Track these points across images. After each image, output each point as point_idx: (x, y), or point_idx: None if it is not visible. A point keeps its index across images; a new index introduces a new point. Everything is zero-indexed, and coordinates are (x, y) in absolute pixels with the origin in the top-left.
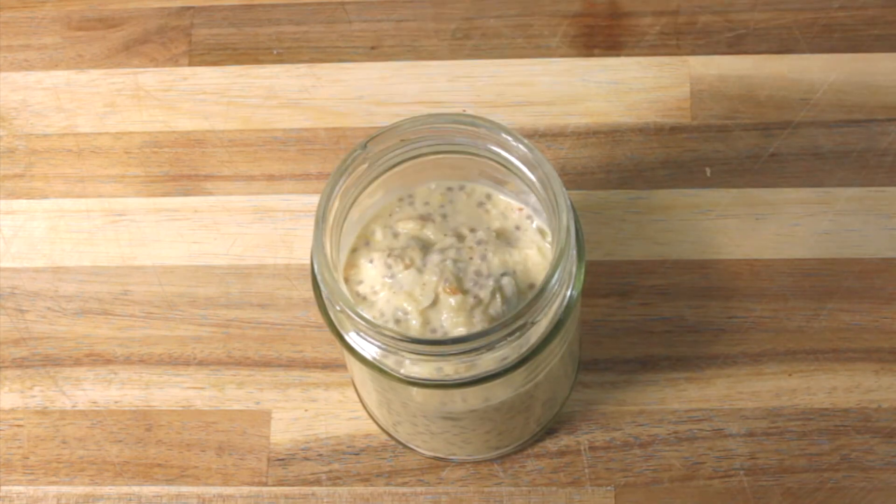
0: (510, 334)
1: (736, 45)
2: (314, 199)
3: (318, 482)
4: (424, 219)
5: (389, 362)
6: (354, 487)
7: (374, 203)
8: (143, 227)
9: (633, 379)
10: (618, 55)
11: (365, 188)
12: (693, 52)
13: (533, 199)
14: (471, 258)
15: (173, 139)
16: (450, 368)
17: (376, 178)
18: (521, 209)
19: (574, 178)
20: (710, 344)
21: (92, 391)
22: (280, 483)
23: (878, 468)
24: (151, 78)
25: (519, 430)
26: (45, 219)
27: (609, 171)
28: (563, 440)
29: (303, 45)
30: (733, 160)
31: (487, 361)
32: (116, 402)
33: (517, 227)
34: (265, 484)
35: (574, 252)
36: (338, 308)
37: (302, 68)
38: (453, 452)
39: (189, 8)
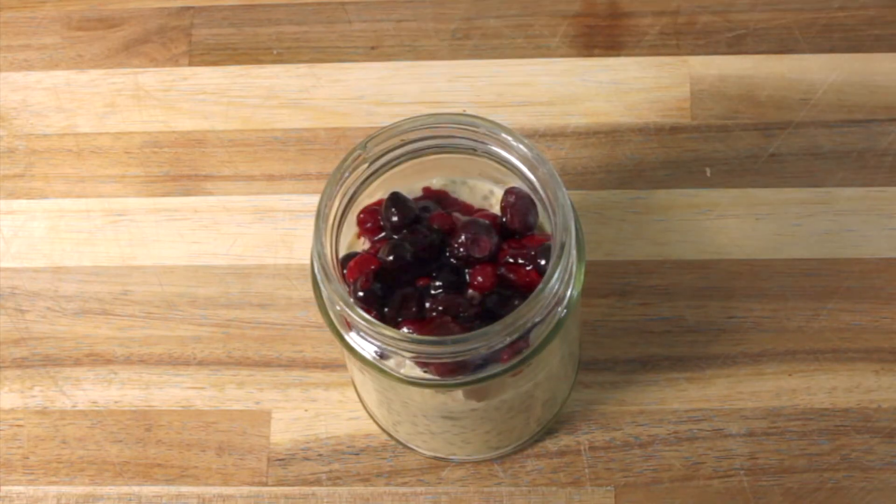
0: (510, 334)
1: (736, 45)
2: (314, 199)
3: (318, 482)
4: None
5: (389, 362)
6: (354, 487)
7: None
8: (143, 227)
9: (633, 379)
10: (618, 55)
11: (365, 188)
12: (693, 52)
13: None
14: None
15: (173, 139)
16: None
17: (376, 178)
18: None
19: (574, 178)
20: (710, 344)
21: (92, 391)
22: (280, 483)
23: (878, 468)
24: (151, 78)
25: (519, 430)
26: (45, 219)
27: (609, 171)
28: (563, 440)
29: (303, 45)
30: (733, 160)
31: None
32: (116, 402)
33: None
34: (265, 484)
35: (574, 252)
36: (338, 308)
37: (302, 68)
38: (453, 452)
39: (189, 8)
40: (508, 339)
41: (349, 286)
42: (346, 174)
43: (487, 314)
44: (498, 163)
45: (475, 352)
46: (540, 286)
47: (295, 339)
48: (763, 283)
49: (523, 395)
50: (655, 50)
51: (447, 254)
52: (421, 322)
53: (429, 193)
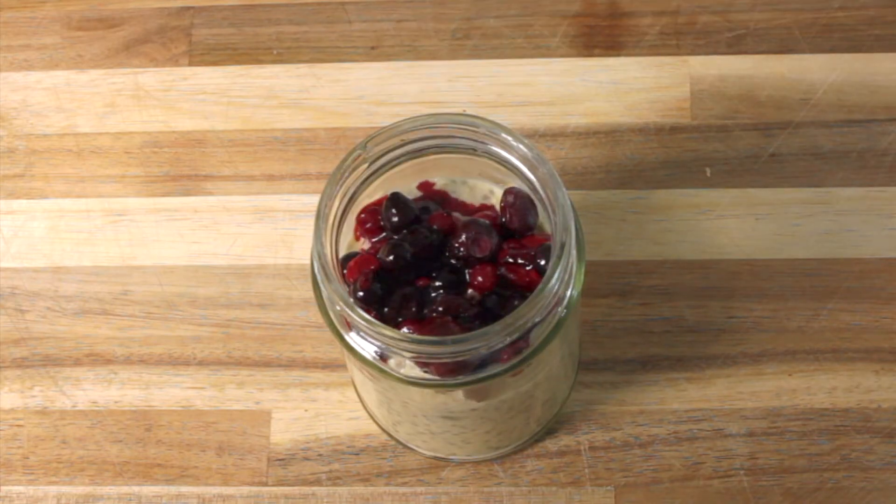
0: (510, 334)
1: (736, 45)
2: (314, 199)
3: (318, 482)
4: None
5: (389, 362)
6: (354, 487)
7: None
8: (143, 227)
9: (633, 379)
10: (618, 55)
11: (365, 188)
12: (693, 52)
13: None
14: None
15: (173, 139)
16: None
17: (376, 178)
18: None
19: (574, 178)
20: (710, 344)
21: (92, 391)
22: (280, 483)
23: (878, 468)
24: (151, 78)
25: (519, 430)
26: (45, 219)
27: (609, 171)
28: (563, 440)
29: (303, 45)
30: (733, 160)
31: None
32: (116, 402)
33: None
34: (265, 484)
35: (574, 252)
36: (338, 308)
37: (302, 68)
38: (453, 452)
39: (189, 8)
40: (508, 339)
41: (349, 286)
42: (346, 174)
43: (487, 314)
44: (498, 163)
45: (475, 352)
46: (540, 286)
47: (295, 339)
48: (763, 283)
49: (523, 395)
50: (655, 50)
51: (447, 254)
52: (421, 322)
53: (428, 192)
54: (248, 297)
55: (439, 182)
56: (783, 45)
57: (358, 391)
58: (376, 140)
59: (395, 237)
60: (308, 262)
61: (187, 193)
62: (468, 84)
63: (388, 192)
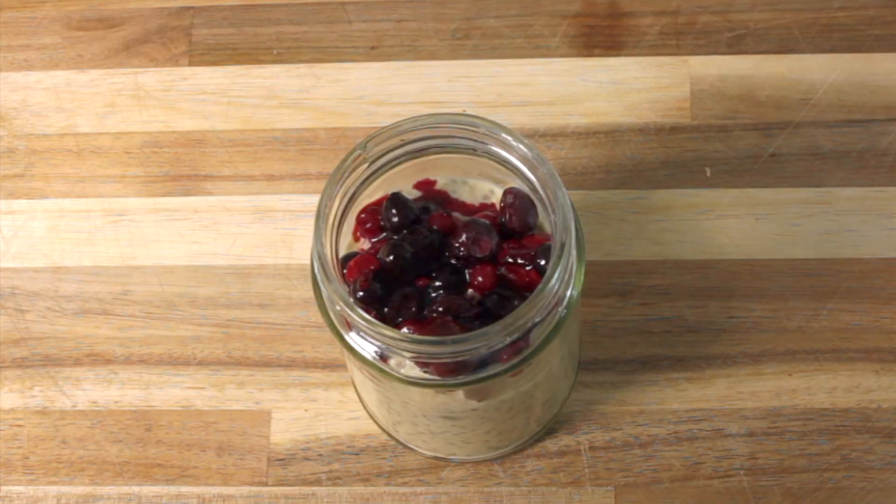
0: (510, 334)
1: (736, 45)
2: (314, 199)
3: (318, 482)
4: None
5: (390, 362)
6: (354, 487)
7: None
8: (143, 227)
9: (633, 379)
10: (618, 55)
11: (365, 188)
12: (693, 52)
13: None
14: None
15: (173, 139)
16: None
17: (376, 178)
18: None
19: (574, 178)
20: (710, 344)
21: (92, 391)
22: (280, 483)
23: (878, 468)
24: (151, 78)
25: (519, 430)
26: (45, 219)
27: (609, 171)
28: (563, 440)
29: (303, 45)
30: (733, 160)
31: None
32: (116, 402)
33: None
34: (265, 484)
35: (574, 252)
36: (338, 308)
37: (302, 68)
38: (453, 452)
39: (189, 8)
40: (508, 339)
41: (349, 286)
42: (346, 174)
43: (487, 314)
44: (498, 163)
45: (475, 352)
46: (540, 286)
47: (295, 339)
48: (763, 283)
49: (523, 394)
50: (655, 50)
51: (447, 254)
52: (421, 322)
53: (428, 192)
54: (248, 297)
55: (439, 182)
56: (783, 45)
57: (358, 391)
58: (376, 140)
59: (395, 237)
60: (308, 262)
61: (187, 193)
62: (468, 84)
63: (388, 192)
